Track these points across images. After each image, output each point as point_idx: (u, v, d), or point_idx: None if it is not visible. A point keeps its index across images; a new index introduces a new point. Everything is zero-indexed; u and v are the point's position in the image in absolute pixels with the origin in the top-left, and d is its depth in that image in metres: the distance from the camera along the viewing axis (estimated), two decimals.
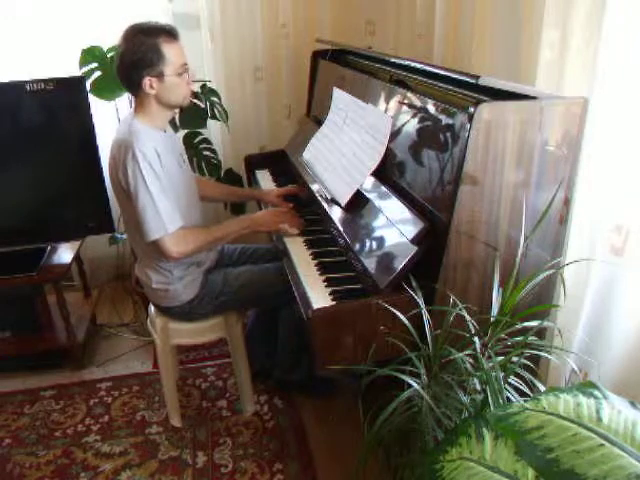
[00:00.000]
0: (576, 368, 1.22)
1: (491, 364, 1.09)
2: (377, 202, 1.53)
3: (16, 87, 2.09)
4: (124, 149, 1.56)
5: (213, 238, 1.72)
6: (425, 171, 1.41)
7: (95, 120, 2.17)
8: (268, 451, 1.88)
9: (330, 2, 2.64)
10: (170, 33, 1.58)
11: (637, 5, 1.15)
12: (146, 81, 1.57)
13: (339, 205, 1.68)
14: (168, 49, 1.56)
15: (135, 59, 1.54)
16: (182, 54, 1.61)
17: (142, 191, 1.56)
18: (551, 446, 0.76)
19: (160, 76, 1.57)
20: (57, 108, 2.15)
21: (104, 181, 2.25)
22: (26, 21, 2.43)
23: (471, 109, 1.17)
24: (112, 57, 2.30)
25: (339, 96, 1.98)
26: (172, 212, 1.60)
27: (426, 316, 1.19)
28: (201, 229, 1.73)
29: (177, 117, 2.27)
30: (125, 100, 2.36)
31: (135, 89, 1.61)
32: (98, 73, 2.29)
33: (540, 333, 1.37)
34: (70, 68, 2.27)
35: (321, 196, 1.83)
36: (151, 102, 1.62)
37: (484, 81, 1.23)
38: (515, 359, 1.14)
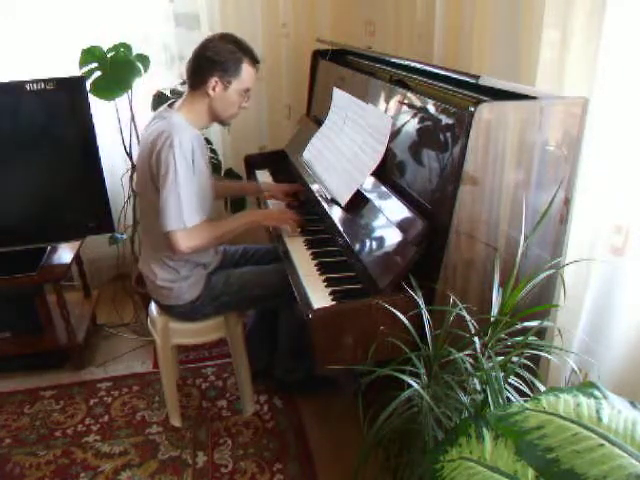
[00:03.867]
0: (576, 368, 1.22)
1: (491, 364, 1.09)
2: (377, 202, 1.53)
3: (16, 87, 2.09)
4: (163, 138, 1.57)
5: (222, 233, 1.72)
6: (425, 171, 1.41)
7: (95, 120, 2.17)
8: (268, 451, 1.88)
9: (330, 2, 2.64)
10: (255, 59, 1.68)
11: (637, 5, 1.15)
12: (213, 81, 1.62)
13: (339, 205, 1.68)
14: (246, 69, 1.66)
15: (216, 58, 1.62)
16: (253, 81, 1.70)
17: (170, 179, 1.56)
18: (551, 446, 0.76)
19: (227, 85, 1.64)
20: (57, 108, 2.15)
21: (104, 181, 2.26)
22: (26, 21, 2.43)
23: (471, 109, 1.17)
24: (112, 57, 2.30)
25: (339, 96, 1.98)
26: (194, 208, 1.61)
27: (426, 316, 1.19)
28: (209, 224, 1.73)
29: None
30: (125, 100, 2.36)
31: (197, 84, 1.65)
32: (98, 73, 2.29)
33: (540, 333, 1.37)
34: (70, 68, 2.27)
35: (321, 196, 1.83)
36: (203, 103, 1.67)
37: (484, 81, 1.23)
38: (515, 359, 1.14)
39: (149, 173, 1.63)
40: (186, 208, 1.59)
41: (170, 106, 1.72)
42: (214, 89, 1.63)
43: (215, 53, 1.62)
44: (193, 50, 1.66)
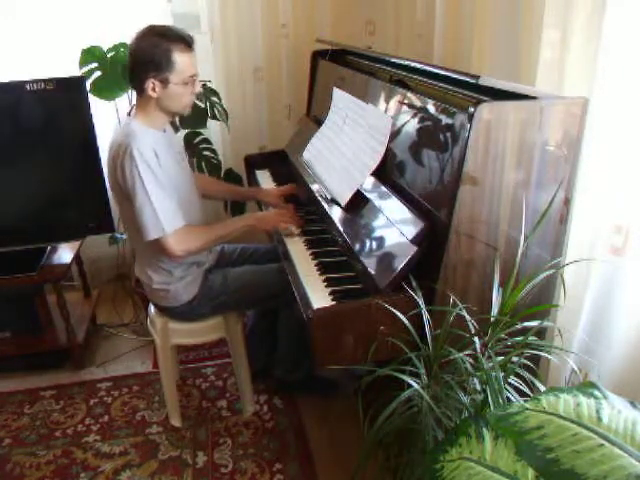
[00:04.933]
0: (576, 368, 1.22)
1: (491, 364, 1.09)
2: (377, 202, 1.53)
3: (16, 87, 2.09)
4: (123, 149, 1.56)
5: (216, 236, 1.72)
6: (425, 171, 1.41)
7: (95, 120, 2.17)
8: (268, 451, 1.88)
9: (330, 2, 2.64)
10: (185, 42, 1.56)
11: (637, 5, 1.15)
12: (149, 83, 1.56)
13: (339, 205, 1.68)
14: (179, 57, 1.55)
15: (144, 59, 1.54)
16: (193, 65, 1.60)
17: (139, 191, 1.55)
18: (551, 446, 0.76)
19: (164, 82, 1.57)
20: (57, 108, 2.15)
21: (104, 181, 2.25)
22: (26, 21, 2.43)
23: (471, 109, 1.17)
24: (112, 57, 2.30)
25: (339, 96, 1.98)
26: (171, 212, 1.60)
27: (426, 316, 1.19)
28: (204, 227, 1.73)
29: (177, 117, 2.26)
30: (125, 100, 2.36)
31: (138, 88, 1.61)
32: (98, 73, 2.29)
33: (540, 333, 1.37)
34: (70, 68, 2.27)
35: (321, 196, 1.83)
36: (151, 105, 1.62)
37: (484, 81, 1.23)
38: (515, 359, 1.14)
39: (118, 186, 1.62)
40: (162, 215, 1.57)
41: (129, 113, 1.70)
42: (154, 90, 1.57)
43: (141, 53, 1.54)
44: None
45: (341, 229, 1.63)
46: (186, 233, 1.63)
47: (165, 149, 1.65)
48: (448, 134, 1.31)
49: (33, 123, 2.15)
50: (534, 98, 1.23)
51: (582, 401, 0.82)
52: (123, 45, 2.31)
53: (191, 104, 1.67)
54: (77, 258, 2.46)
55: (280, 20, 2.61)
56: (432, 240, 1.29)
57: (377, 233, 1.49)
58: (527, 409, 0.83)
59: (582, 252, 1.35)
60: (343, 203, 1.66)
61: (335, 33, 2.65)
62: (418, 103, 1.49)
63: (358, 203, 1.61)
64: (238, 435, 1.95)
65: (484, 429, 0.87)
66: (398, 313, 1.22)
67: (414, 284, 1.25)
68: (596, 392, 0.84)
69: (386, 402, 1.12)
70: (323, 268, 1.58)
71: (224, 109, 2.47)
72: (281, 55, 2.69)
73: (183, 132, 2.41)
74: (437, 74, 1.53)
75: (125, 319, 2.68)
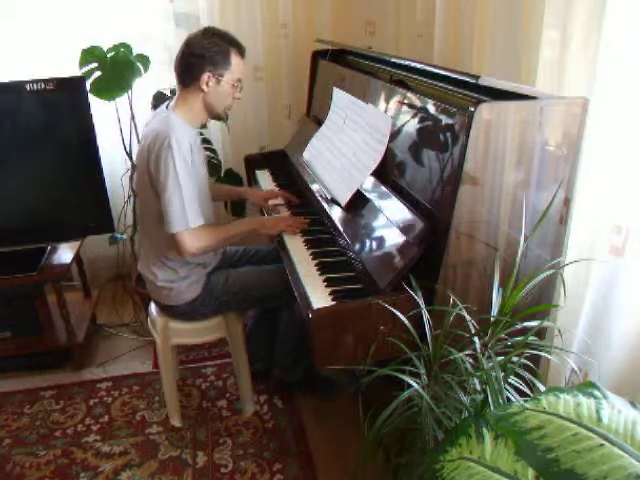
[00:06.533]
0: (576, 368, 1.22)
1: (491, 364, 1.09)
2: (377, 202, 1.53)
3: (16, 87, 2.09)
4: (161, 138, 1.57)
5: (225, 236, 1.73)
6: (425, 171, 1.41)
7: (95, 120, 2.17)
8: (268, 451, 1.88)
9: (330, 2, 2.64)
10: (241, 48, 1.68)
11: (637, 5, 1.15)
12: (205, 77, 1.61)
13: (339, 205, 1.68)
14: (235, 59, 1.65)
15: (205, 53, 1.61)
16: (243, 71, 1.70)
17: (172, 182, 1.57)
18: (551, 446, 0.76)
19: (219, 78, 1.63)
20: (57, 108, 2.15)
21: (104, 181, 2.26)
22: (26, 21, 2.43)
23: (471, 109, 1.17)
24: (112, 57, 2.30)
25: (339, 96, 1.98)
26: (196, 208, 1.62)
27: (426, 316, 1.19)
28: (215, 227, 1.75)
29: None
30: (125, 100, 2.36)
31: (189, 82, 1.64)
32: (98, 73, 2.29)
33: (540, 333, 1.37)
34: (70, 68, 2.27)
35: (321, 196, 1.83)
36: (197, 100, 1.66)
37: (484, 81, 1.23)
38: (515, 359, 1.14)
39: (148, 177, 1.63)
40: (189, 209, 1.59)
41: (167, 106, 1.72)
42: (207, 84, 1.63)
43: (202, 49, 1.61)
44: (179, 49, 1.65)
45: (341, 229, 1.63)
46: (202, 231, 1.65)
47: (197, 148, 1.69)
48: (448, 134, 1.31)
49: (33, 123, 2.15)
50: (534, 98, 1.23)
51: (582, 401, 0.82)
52: (123, 45, 2.31)
53: (229, 109, 1.76)
54: (77, 258, 2.46)
55: (280, 20, 2.61)
56: (432, 240, 1.29)
57: (377, 233, 1.49)
58: (527, 409, 0.83)
59: (582, 252, 1.35)
60: (343, 203, 1.66)
61: (335, 33, 2.65)
62: (418, 103, 1.50)
63: (358, 203, 1.61)
64: (238, 435, 1.95)
65: (484, 429, 0.87)
66: (398, 313, 1.22)
67: (414, 284, 1.25)
68: (596, 392, 0.84)
69: (386, 402, 1.12)
70: (323, 268, 1.58)
71: None
72: (281, 55, 2.68)
73: None
74: (437, 74, 1.54)
75: (125, 319, 2.67)
